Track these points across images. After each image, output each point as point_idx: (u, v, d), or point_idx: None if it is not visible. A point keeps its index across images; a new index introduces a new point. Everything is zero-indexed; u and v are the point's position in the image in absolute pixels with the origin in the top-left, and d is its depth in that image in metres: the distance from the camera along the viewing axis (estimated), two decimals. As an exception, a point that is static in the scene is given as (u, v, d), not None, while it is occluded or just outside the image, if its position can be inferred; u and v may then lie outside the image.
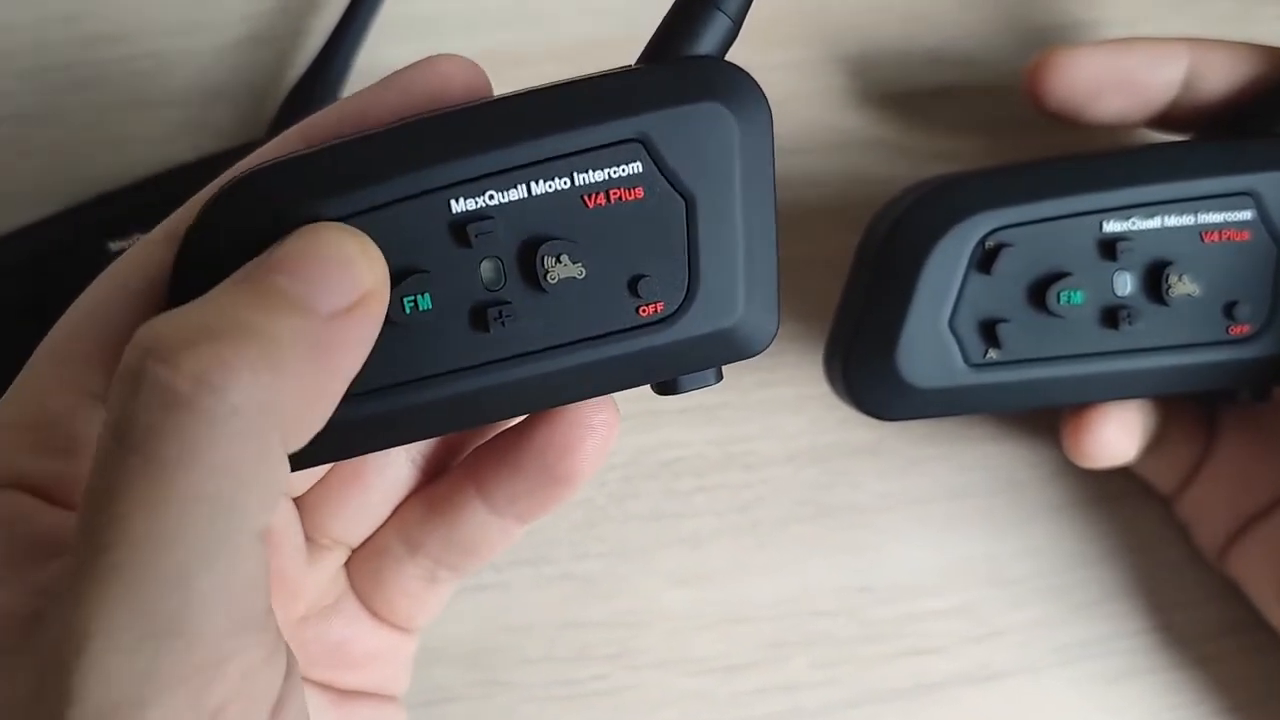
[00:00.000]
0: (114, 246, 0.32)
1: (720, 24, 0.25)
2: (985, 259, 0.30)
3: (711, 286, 0.25)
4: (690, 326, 0.25)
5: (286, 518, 0.27)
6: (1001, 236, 0.30)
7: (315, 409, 0.21)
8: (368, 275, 0.22)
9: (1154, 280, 0.31)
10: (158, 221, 0.31)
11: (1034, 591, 0.36)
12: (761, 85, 0.25)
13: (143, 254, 0.25)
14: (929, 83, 0.38)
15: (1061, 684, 0.36)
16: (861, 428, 0.37)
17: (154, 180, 0.34)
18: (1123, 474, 0.36)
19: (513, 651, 0.35)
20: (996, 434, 0.37)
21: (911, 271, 0.30)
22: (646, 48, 0.25)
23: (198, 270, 0.23)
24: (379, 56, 0.36)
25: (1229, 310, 0.31)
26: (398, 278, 0.23)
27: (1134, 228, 0.30)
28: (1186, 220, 0.31)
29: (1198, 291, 0.31)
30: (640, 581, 0.36)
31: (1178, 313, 0.31)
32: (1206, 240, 0.31)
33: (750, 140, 0.25)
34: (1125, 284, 0.31)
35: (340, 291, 0.22)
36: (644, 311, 0.25)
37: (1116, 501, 0.37)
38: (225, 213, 0.24)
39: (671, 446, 0.36)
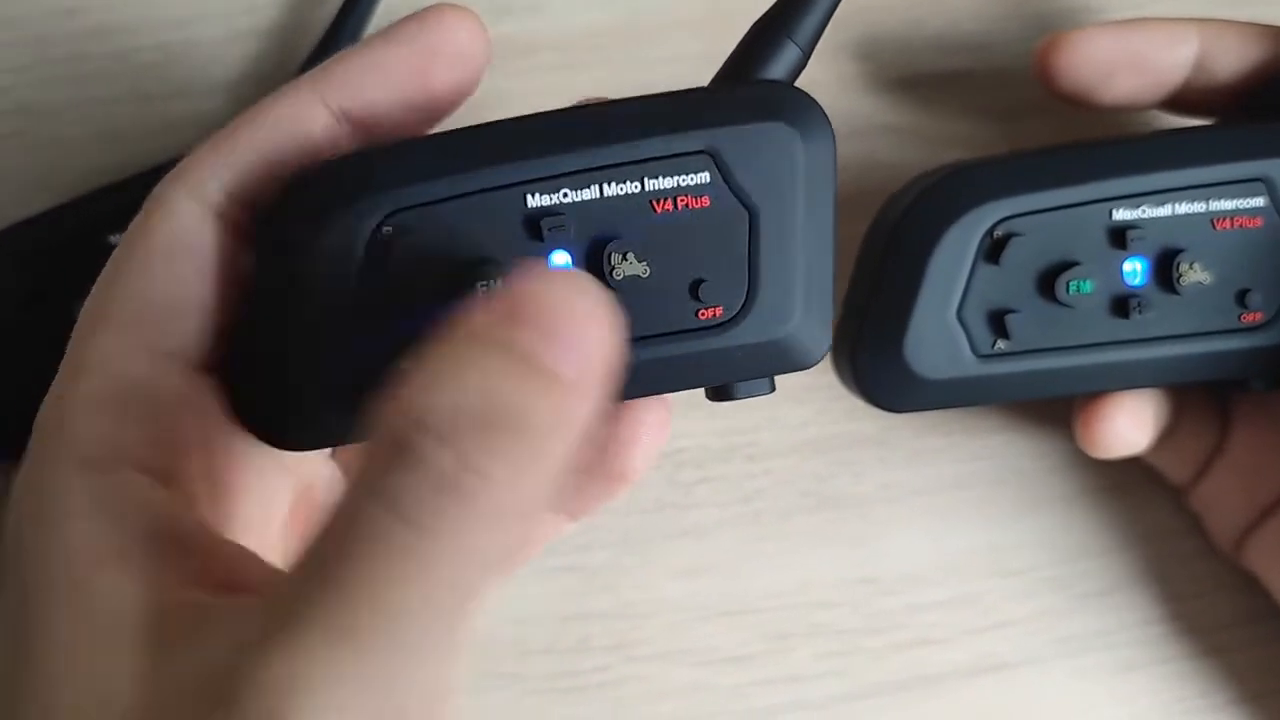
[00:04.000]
0: (114, 240, 0.32)
1: (791, 53, 0.27)
2: (993, 249, 0.30)
3: (770, 296, 0.26)
4: (747, 333, 0.26)
5: None
6: (1010, 226, 0.30)
7: (547, 493, 0.20)
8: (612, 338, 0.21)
9: (1165, 269, 0.30)
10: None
11: (1039, 582, 0.36)
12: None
13: (182, 222, 0.25)
14: (939, 67, 0.37)
15: (1067, 675, 0.36)
16: (865, 419, 0.36)
17: (154, 173, 0.34)
18: (1128, 465, 0.36)
19: (515, 643, 0.35)
20: (1000, 425, 0.37)
21: (919, 262, 0.30)
22: (722, 68, 0.27)
23: (279, 259, 0.25)
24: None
25: (1241, 298, 0.31)
26: (470, 264, 0.24)
27: (1144, 216, 0.30)
28: (1198, 208, 0.30)
29: (1209, 279, 0.30)
30: (643, 573, 0.36)
31: (1189, 301, 0.30)
32: (1218, 227, 0.30)
33: (814, 161, 0.26)
34: (1135, 273, 0.30)
35: (593, 359, 0.20)
36: (703, 315, 0.26)
37: (1122, 492, 0.37)
38: (302, 200, 0.25)
39: (674, 437, 0.36)
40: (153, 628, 0.21)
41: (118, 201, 0.33)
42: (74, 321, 0.32)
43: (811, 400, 0.36)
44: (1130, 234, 0.30)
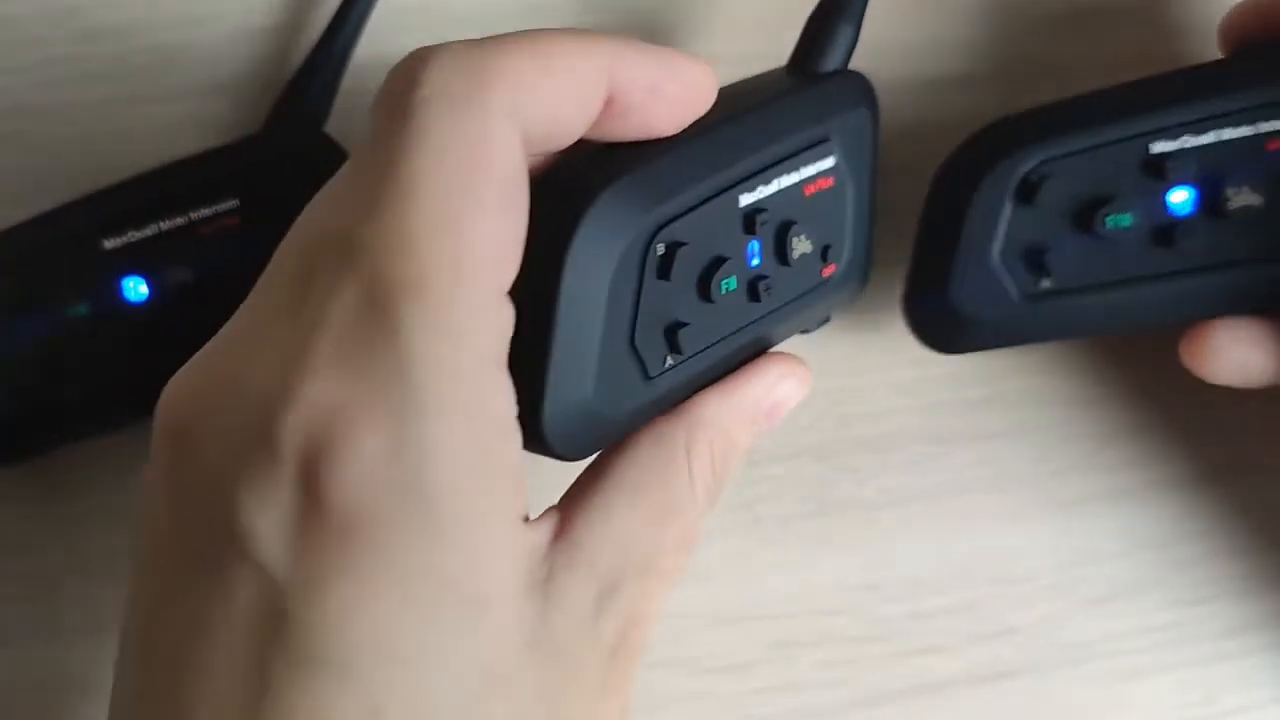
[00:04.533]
0: (108, 244, 0.32)
1: (847, 34, 0.30)
2: (1028, 191, 0.31)
3: (855, 252, 0.30)
4: (843, 283, 0.30)
5: None
6: (1044, 170, 0.31)
7: None
8: None
9: (1212, 195, 0.30)
10: (153, 219, 0.31)
11: (1042, 589, 0.36)
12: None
13: (516, 156, 0.23)
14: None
15: (1070, 682, 0.36)
16: (865, 423, 0.36)
17: (149, 176, 0.33)
18: (1130, 471, 0.36)
19: (514, 649, 0.35)
20: (1003, 430, 0.37)
21: (960, 207, 0.31)
22: (793, 56, 0.31)
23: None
24: (378, 49, 0.36)
25: None
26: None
27: (1186, 145, 0.30)
28: (1245, 131, 0.30)
29: (1260, 202, 0.30)
30: (643, 579, 0.36)
31: (1239, 226, 0.30)
32: (1270, 149, 0.30)
33: (876, 137, 0.31)
34: (1183, 202, 0.30)
35: None
36: (825, 272, 0.30)
37: (1123, 498, 0.37)
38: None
39: (675, 443, 0.36)
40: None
41: (112, 205, 0.33)
42: (68, 325, 0.32)
43: (811, 405, 0.36)
44: (1169, 165, 0.30)
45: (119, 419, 0.34)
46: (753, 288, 0.28)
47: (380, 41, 0.36)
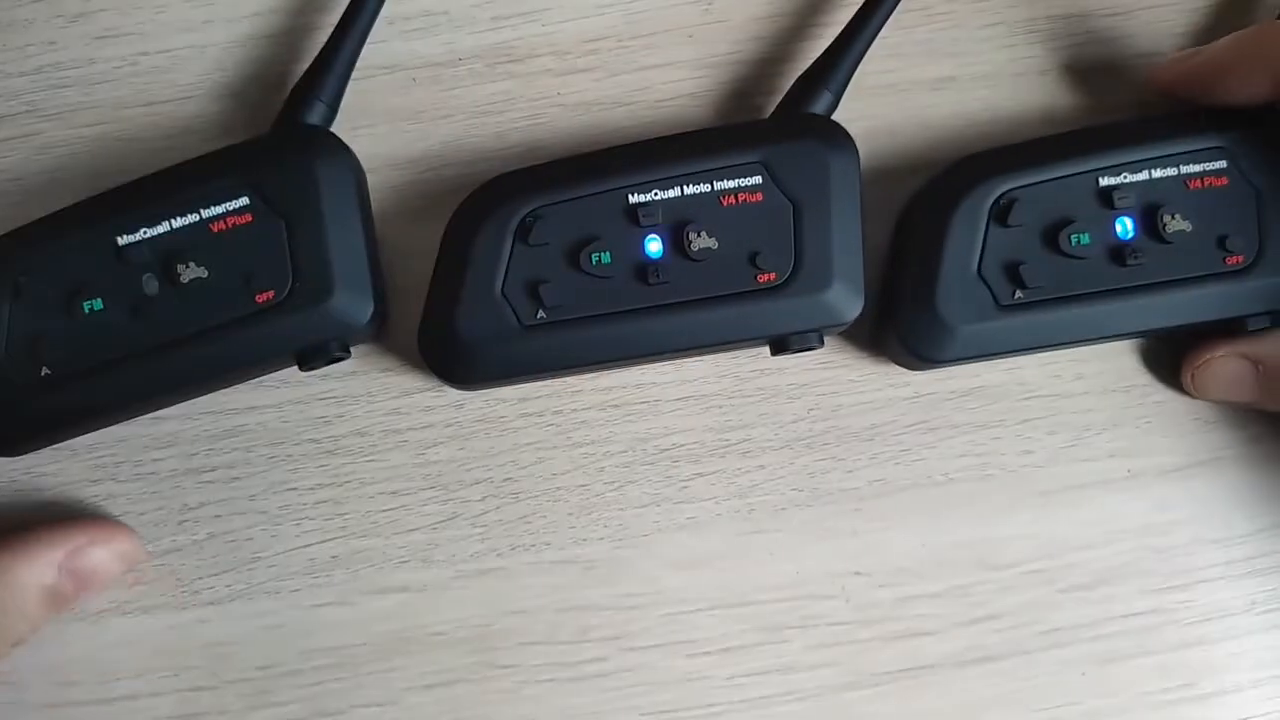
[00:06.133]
0: (122, 241, 0.33)
1: (826, 98, 0.36)
2: (1001, 213, 0.35)
3: (811, 266, 0.34)
4: (796, 294, 0.34)
5: None
6: (1013, 195, 0.35)
7: None
8: None
9: (1150, 221, 0.35)
10: (165, 217, 0.32)
11: (1025, 575, 0.37)
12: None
13: None
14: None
15: (1054, 666, 0.37)
16: (855, 415, 0.37)
17: (161, 175, 0.34)
18: (1110, 462, 0.37)
19: (514, 634, 0.36)
20: (988, 421, 0.37)
21: (940, 228, 0.35)
22: (776, 108, 0.36)
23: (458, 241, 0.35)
24: (382, 52, 0.37)
25: (1221, 243, 0.35)
26: (584, 243, 0.34)
27: (1125, 180, 0.35)
28: (1170, 172, 0.35)
29: (1190, 228, 0.35)
30: (640, 566, 0.36)
31: (1177, 249, 0.35)
32: (1191, 187, 0.35)
33: (840, 168, 0.34)
34: (1126, 228, 0.35)
35: None
36: (761, 279, 0.34)
37: (1106, 488, 0.37)
38: (480, 200, 0.35)
39: (670, 434, 0.37)
40: None
41: (125, 204, 0.34)
42: (84, 319, 0.33)
43: (803, 397, 0.37)
44: (1116, 195, 0.35)
45: (130, 410, 0.35)
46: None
47: (385, 46, 0.37)
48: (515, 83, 0.38)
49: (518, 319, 0.34)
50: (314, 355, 0.34)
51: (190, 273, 0.33)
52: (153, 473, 0.36)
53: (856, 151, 0.35)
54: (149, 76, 0.37)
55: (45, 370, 0.33)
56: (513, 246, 0.34)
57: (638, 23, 0.38)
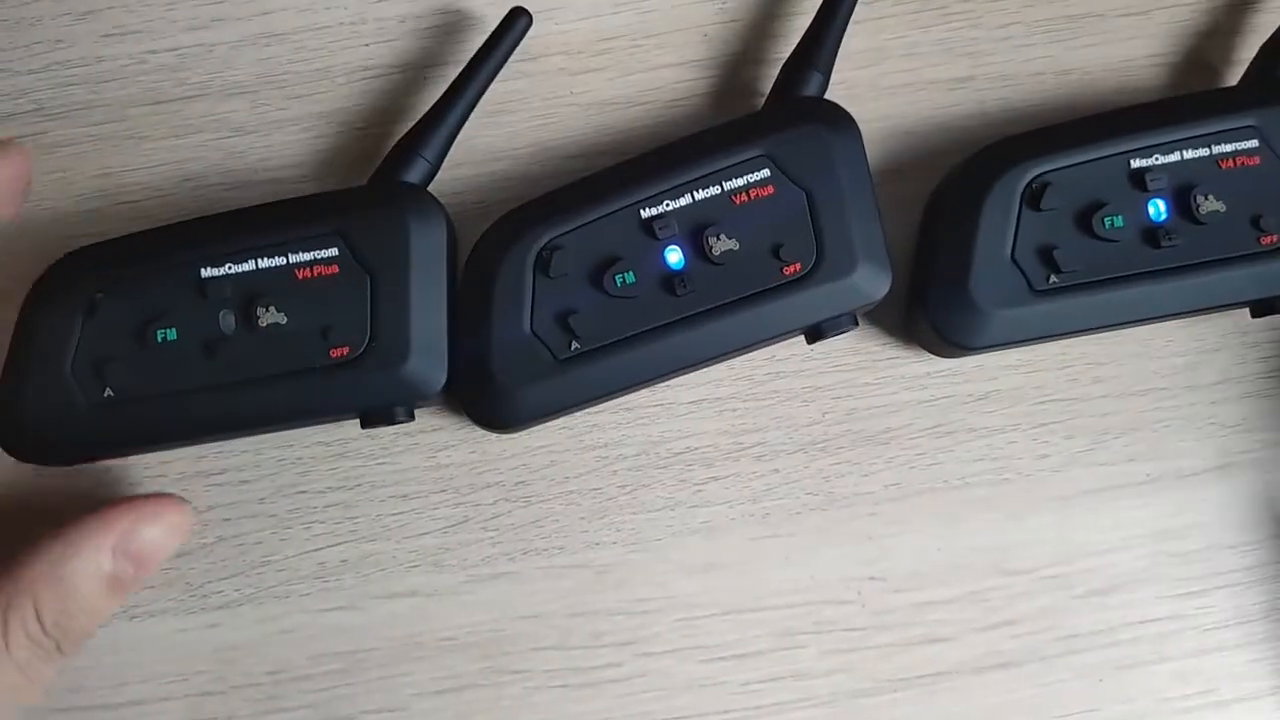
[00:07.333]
0: (206, 273, 0.32)
1: (817, 78, 0.35)
2: (1033, 197, 0.34)
3: (834, 250, 0.34)
4: (823, 280, 0.33)
5: None
6: (1045, 179, 0.34)
7: None
8: None
9: (1183, 201, 0.34)
10: (253, 256, 0.33)
11: (1042, 580, 0.37)
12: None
13: None
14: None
15: (1071, 672, 0.36)
16: (870, 418, 0.37)
17: (255, 212, 0.34)
18: (1131, 464, 0.37)
19: (526, 640, 0.36)
20: (1004, 424, 0.37)
21: (973, 214, 0.34)
22: (768, 97, 0.36)
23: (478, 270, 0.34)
24: (394, 50, 0.37)
25: (1255, 223, 0.34)
26: (605, 266, 0.33)
27: (1157, 162, 0.35)
28: (1202, 152, 0.35)
29: (1224, 208, 0.34)
30: (653, 570, 0.36)
31: (1211, 229, 0.34)
32: (1223, 167, 0.35)
33: (844, 148, 0.34)
34: (1160, 210, 0.34)
35: None
36: (787, 271, 0.33)
37: (1122, 493, 0.37)
38: (493, 242, 0.34)
39: (684, 437, 0.37)
40: None
41: (215, 236, 0.33)
42: (158, 347, 0.32)
43: (818, 401, 0.37)
44: (1148, 176, 0.34)
45: (182, 443, 0.34)
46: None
47: (397, 43, 0.37)
48: (528, 82, 0.37)
49: (552, 354, 0.33)
50: (378, 418, 0.33)
51: (269, 317, 0.32)
52: (161, 475, 0.36)
53: (856, 126, 0.34)
54: (158, 75, 0.37)
55: (108, 391, 0.32)
56: (534, 281, 0.33)
57: (651, 22, 0.38)
